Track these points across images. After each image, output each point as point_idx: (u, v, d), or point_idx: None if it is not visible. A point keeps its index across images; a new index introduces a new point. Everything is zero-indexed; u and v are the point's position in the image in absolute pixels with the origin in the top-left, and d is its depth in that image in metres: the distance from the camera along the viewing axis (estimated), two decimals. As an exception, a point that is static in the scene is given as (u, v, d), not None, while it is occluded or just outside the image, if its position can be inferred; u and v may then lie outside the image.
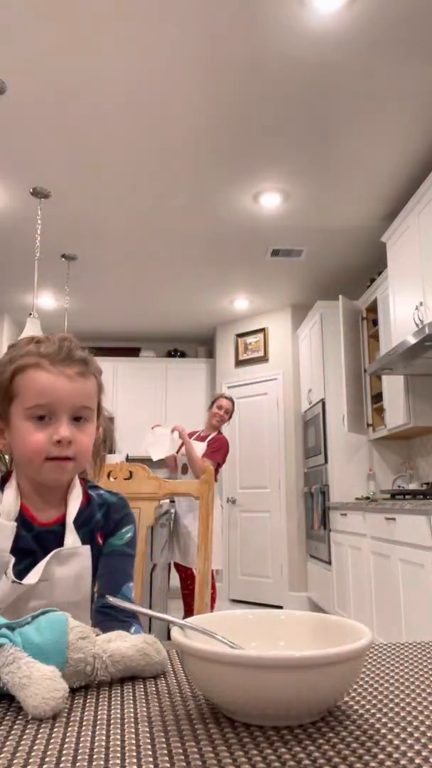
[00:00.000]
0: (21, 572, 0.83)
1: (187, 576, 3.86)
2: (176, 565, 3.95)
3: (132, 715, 0.48)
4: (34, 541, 0.87)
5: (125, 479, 1.45)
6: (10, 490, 0.89)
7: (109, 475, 1.43)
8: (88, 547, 0.88)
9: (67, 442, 0.85)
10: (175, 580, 4.02)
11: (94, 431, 0.92)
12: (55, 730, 0.45)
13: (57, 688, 0.48)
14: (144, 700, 0.51)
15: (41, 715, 0.47)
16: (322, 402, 4.81)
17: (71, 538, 0.88)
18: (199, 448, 3.76)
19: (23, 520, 0.88)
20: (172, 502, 3.95)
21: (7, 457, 0.97)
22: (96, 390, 0.92)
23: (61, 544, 0.86)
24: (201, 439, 3.90)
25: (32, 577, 0.82)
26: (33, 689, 0.48)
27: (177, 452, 3.83)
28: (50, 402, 0.85)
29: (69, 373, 0.86)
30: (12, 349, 0.90)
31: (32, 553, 0.86)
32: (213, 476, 1.43)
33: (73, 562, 0.86)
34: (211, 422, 3.93)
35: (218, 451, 3.78)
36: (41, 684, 0.48)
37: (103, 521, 0.95)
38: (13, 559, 0.82)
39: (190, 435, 3.88)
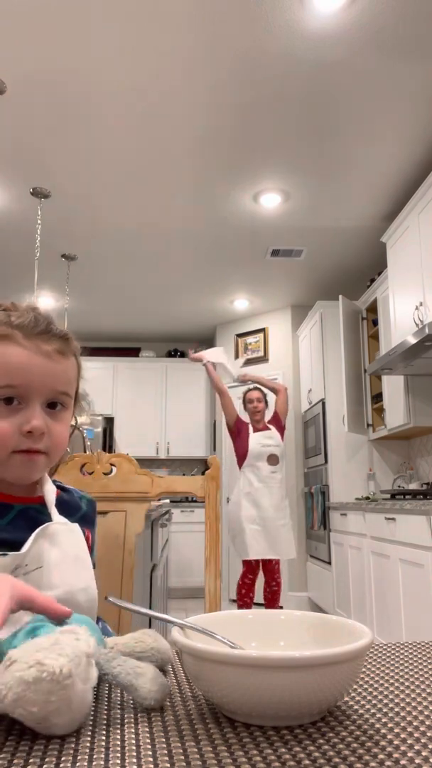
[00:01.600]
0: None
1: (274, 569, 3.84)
2: (256, 563, 3.88)
3: (132, 715, 0.48)
4: (15, 525, 0.73)
5: (105, 474, 1.14)
6: None
7: (82, 469, 1.14)
8: (77, 526, 0.76)
9: (40, 434, 0.70)
10: (176, 580, 4.01)
11: (70, 419, 0.78)
12: (55, 730, 0.45)
13: (164, 681, 0.50)
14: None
15: (155, 700, 0.48)
16: (322, 402, 4.81)
17: (58, 518, 0.75)
18: (274, 437, 3.92)
19: None
20: (173, 502, 3.94)
21: None
22: (76, 373, 0.78)
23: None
24: (265, 428, 3.98)
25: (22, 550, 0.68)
26: (148, 677, 0.49)
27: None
28: (22, 383, 0.70)
29: (47, 349, 0.72)
30: None
31: (12, 544, 0.70)
32: (219, 471, 1.20)
33: (67, 542, 0.73)
34: (254, 418, 4.00)
35: (280, 423, 4.02)
36: (153, 673, 0.50)
37: (91, 516, 0.84)
38: None
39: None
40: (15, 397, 0.70)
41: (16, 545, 0.69)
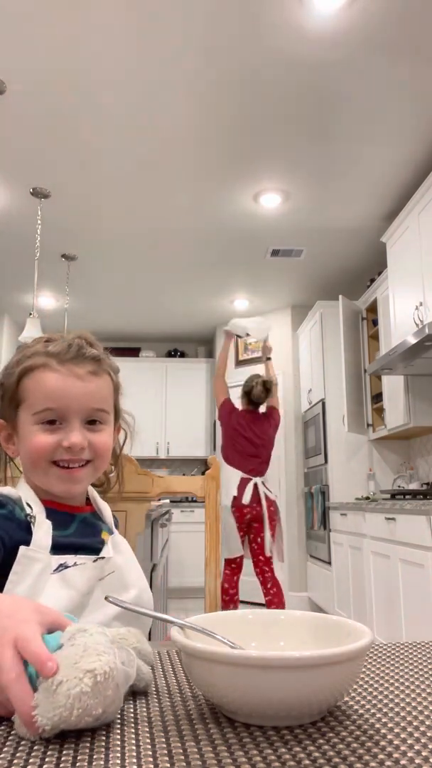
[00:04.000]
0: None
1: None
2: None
3: (132, 715, 0.48)
4: (80, 532, 0.80)
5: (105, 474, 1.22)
6: (28, 492, 0.80)
7: None
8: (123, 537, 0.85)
9: (79, 449, 0.77)
10: (176, 580, 4.01)
11: (112, 433, 0.84)
12: (55, 730, 0.45)
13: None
14: (144, 700, 0.51)
15: (148, 681, 0.54)
16: (322, 402, 4.81)
17: (112, 527, 0.84)
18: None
19: (56, 512, 0.79)
20: (173, 502, 3.94)
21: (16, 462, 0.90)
22: (111, 390, 0.84)
23: (99, 533, 0.81)
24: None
25: (106, 552, 0.77)
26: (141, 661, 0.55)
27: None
28: (60, 406, 0.77)
29: (79, 372, 0.79)
30: (20, 350, 0.84)
31: (70, 549, 0.77)
32: (219, 471, 1.22)
33: (126, 550, 0.83)
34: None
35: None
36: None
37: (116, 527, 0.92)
38: (53, 560, 0.74)
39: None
40: (56, 419, 0.77)
41: (85, 549, 0.78)
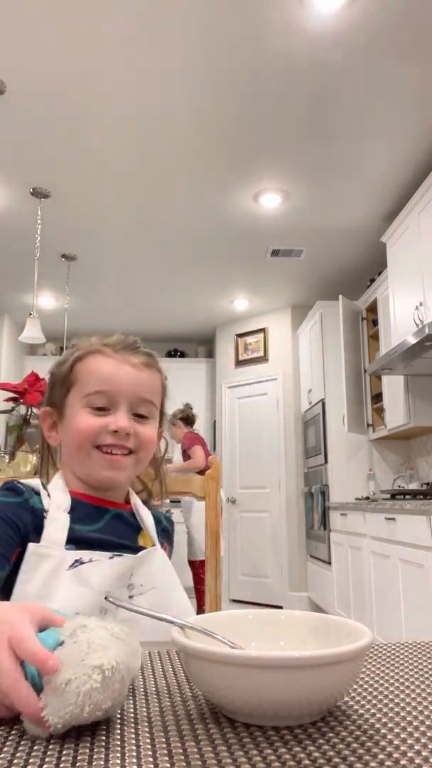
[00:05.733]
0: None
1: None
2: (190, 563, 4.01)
3: (132, 715, 0.48)
4: (110, 527, 0.78)
5: None
6: (57, 483, 0.80)
7: None
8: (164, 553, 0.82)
9: (125, 434, 0.76)
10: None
11: (157, 430, 0.83)
12: (55, 730, 0.45)
13: None
14: (144, 700, 0.51)
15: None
16: (322, 402, 4.81)
17: (149, 527, 0.81)
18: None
19: (84, 504, 0.78)
20: (172, 502, 3.96)
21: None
22: (160, 387, 0.85)
23: (135, 534, 0.79)
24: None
25: (132, 554, 0.74)
26: None
27: None
28: (111, 389, 0.77)
29: (133, 360, 0.80)
30: (74, 345, 0.84)
31: (96, 544, 0.75)
32: (219, 471, 1.21)
33: (168, 568, 0.81)
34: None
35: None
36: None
37: (170, 531, 0.90)
38: (69, 555, 0.72)
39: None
40: (105, 405, 0.77)
41: (113, 545, 0.75)
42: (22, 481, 0.79)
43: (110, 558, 0.74)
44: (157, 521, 0.87)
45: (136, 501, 0.85)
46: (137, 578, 0.75)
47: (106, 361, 0.79)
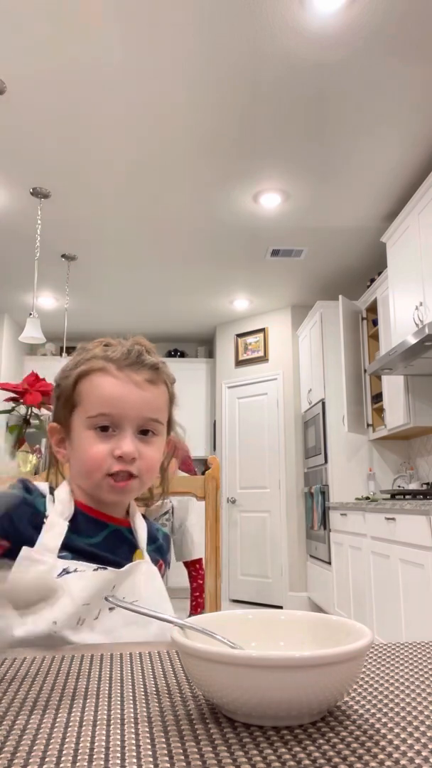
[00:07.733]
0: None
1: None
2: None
3: (132, 715, 0.48)
4: (107, 543, 0.78)
5: None
6: (63, 491, 0.80)
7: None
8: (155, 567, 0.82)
9: (131, 459, 0.76)
10: (176, 580, 4.02)
11: (163, 446, 0.83)
12: (55, 729, 0.45)
13: None
14: (144, 700, 0.51)
15: None
16: (322, 402, 4.81)
17: (144, 546, 0.81)
18: None
19: (87, 517, 0.79)
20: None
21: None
22: (167, 400, 0.84)
23: (131, 551, 0.80)
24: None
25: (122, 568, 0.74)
26: None
27: None
28: (115, 412, 0.76)
29: (137, 379, 0.78)
30: (79, 352, 0.83)
31: (102, 559, 0.76)
32: (219, 471, 1.21)
33: (156, 580, 0.80)
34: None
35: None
36: None
37: (165, 548, 0.89)
38: (59, 564, 0.73)
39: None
40: (109, 425, 0.76)
41: (107, 561, 0.76)
42: (33, 482, 0.81)
43: (94, 570, 0.74)
44: (153, 539, 0.87)
45: (134, 514, 0.85)
46: (120, 591, 0.75)
47: (109, 382, 0.77)
